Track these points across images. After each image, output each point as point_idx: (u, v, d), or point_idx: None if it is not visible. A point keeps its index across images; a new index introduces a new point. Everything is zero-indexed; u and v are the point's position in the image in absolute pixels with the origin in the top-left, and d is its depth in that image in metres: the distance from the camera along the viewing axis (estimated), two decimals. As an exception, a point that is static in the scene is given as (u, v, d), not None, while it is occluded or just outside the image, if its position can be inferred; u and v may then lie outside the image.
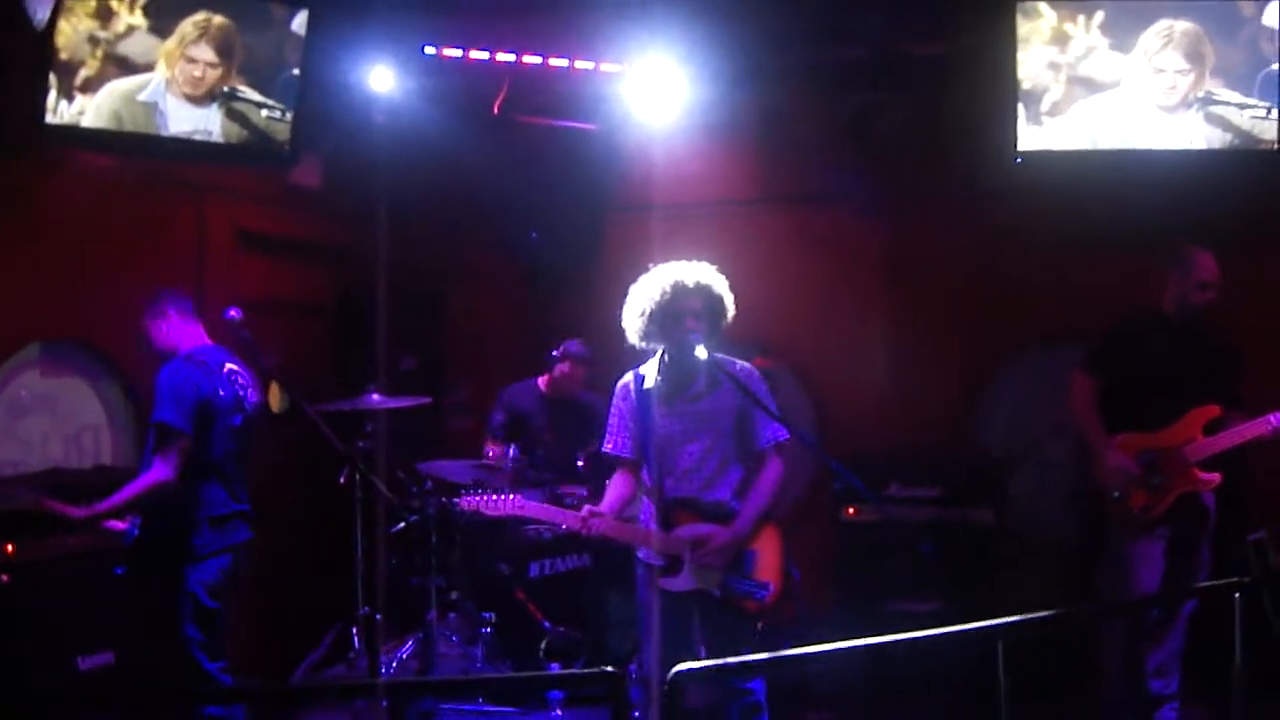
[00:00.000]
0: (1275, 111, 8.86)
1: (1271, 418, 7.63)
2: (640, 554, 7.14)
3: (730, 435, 7.05)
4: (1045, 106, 9.19)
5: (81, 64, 8.21)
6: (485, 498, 7.33)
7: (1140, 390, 8.01)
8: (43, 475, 8.34)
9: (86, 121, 8.32)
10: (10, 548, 7.60)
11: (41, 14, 7.23)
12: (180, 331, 7.71)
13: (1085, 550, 8.65)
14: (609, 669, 4.93)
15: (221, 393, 7.61)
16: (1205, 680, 7.86)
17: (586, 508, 7.08)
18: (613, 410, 7.26)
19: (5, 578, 7.57)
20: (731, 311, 7.01)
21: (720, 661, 6.43)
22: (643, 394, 7.10)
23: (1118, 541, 8.04)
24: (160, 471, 7.31)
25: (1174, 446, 7.83)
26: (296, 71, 9.03)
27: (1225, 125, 9.01)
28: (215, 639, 7.54)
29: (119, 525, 7.51)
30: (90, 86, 8.28)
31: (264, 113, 8.97)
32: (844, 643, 5.16)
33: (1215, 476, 7.80)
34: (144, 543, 7.50)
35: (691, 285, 6.91)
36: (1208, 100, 8.98)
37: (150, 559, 7.53)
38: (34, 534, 7.57)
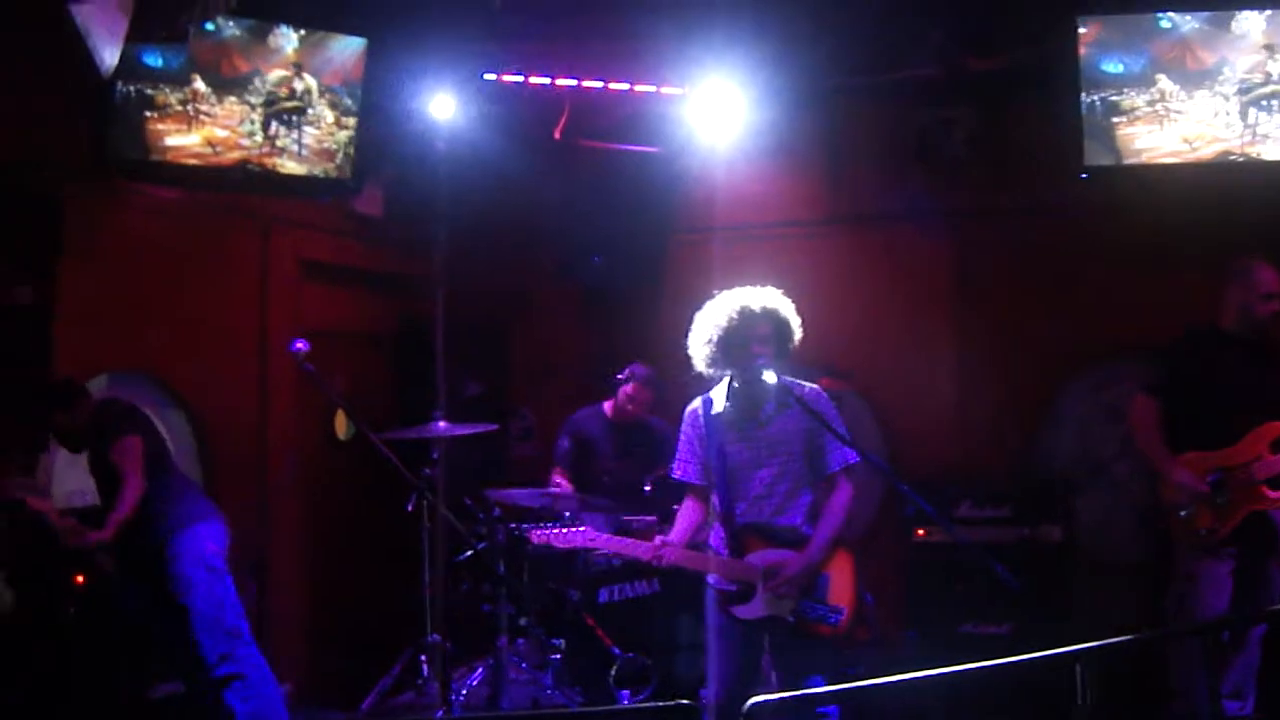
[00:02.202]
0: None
1: None
2: (710, 580, 7.10)
3: (800, 459, 7.00)
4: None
5: (145, 97, 8.26)
6: (556, 531, 7.31)
7: (1204, 408, 7.91)
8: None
9: (150, 154, 8.38)
10: (80, 578, 7.68)
11: (109, 61, 7.26)
12: None
13: (1153, 570, 8.55)
14: (684, 702, 4.91)
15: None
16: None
17: (658, 538, 7.08)
18: (681, 436, 7.24)
19: (73, 609, 7.69)
20: (799, 336, 6.97)
21: (797, 694, 6.43)
22: (711, 420, 7.06)
23: (1185, 562, 7.95)
24: (138, 481, 7.73)
25: (1240, 464, 7.71)
26: (357, 101, 9.06)
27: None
28: (235, 613, 8.00)
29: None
30: (152, 120, 8.33)
31: (323, 143, 9.00)
32: (922, 671, 5.12)
33: None
34: (133, 546, 7.84)
35: (759, 311, 6.87)
36: (1272, 109, 8.89)
37: (144, 554, 7.88)
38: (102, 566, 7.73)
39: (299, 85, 8.84)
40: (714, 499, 7.10)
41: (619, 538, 7.48)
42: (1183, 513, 7.81)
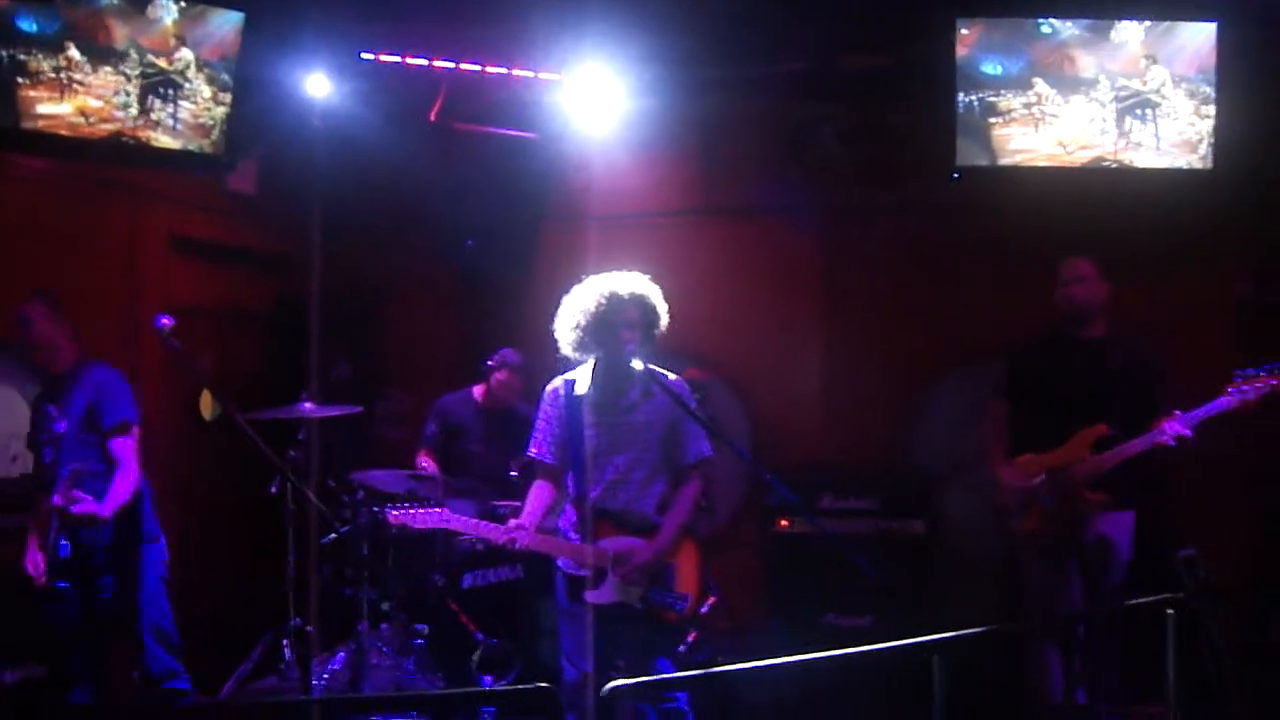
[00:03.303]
0: (1209, 135, 8.86)
1: (1167, 427, 7.53)
2: (561, 563, 7.15)
3: (657, 448, 7.07)
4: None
5: (17, 63, 8.12)
6: (413, 511, 7.30)
7: (1038, 411, 8.07)
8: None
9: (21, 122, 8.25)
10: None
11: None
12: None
13: (1012, 565, 8.63)
14: (543, 685, 4.93)
15: None
16: (1141, 694, 7.88)
17: (512, 522, 7.07)
18: (540, 414, 7.26)
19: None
20: (666, 322, 7.00)
21: (656, 678, 6.46)
22: (573, 400, 7.09)
23: (1026, 562, 8.09)
24: (136, 473, 7.76)
25: (1062, 466, 7.82)
26: (231, 76, 8.95)
27: (1165, 144, 9.02)
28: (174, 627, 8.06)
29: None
30: (24, 87, 8.19)
31: (199, 118, 8.89)
32: (777, 659, 5.15)
33: (1102, 496, 7.75)
34: (99, 545, 7.68)
35: (626, 296, 6.90)
36: (1146, 117, 8.99)
37: (107, 559, 7.73)
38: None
39: (177, 58, 8.72)
40: (568, 481, 7.13)
41: (474, 520, 7.45)
42: (1011, 514, 7.94)
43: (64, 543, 7.47)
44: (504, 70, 9.95)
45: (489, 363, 10.03)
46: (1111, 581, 7.89)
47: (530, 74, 9.97)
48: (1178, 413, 7.56)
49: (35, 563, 7.67)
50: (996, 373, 8.43)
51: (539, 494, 7.23)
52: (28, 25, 8.11)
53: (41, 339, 7.87)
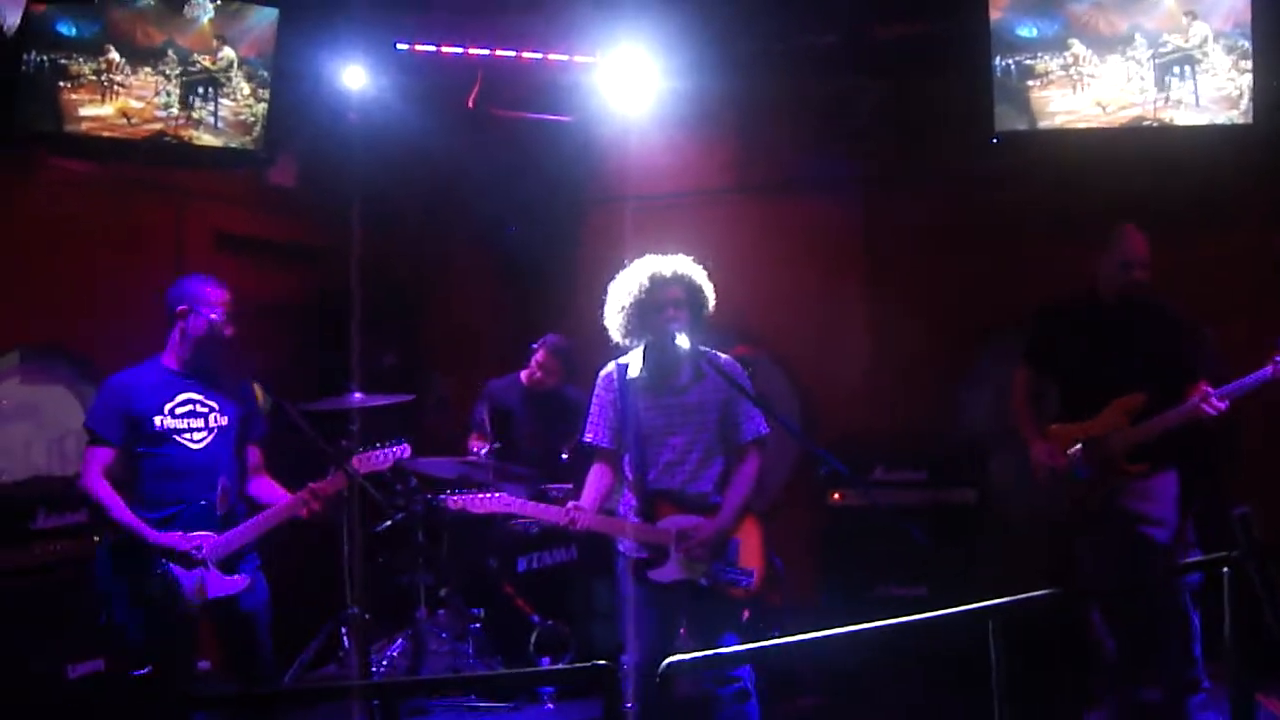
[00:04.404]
0: (1249, 90, 8.82)
1: (1204, 405, 7.41)
2: (622, 547, 7.13)
3: (713, 428, 7.03)
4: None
5: (58, 67, 8.18)
6: (472, 496, 7.33)
7: (1074, 378, 7.98)
8: (25, 484, 8.31)
9: (64, 125, 8.31)
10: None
11: (10, 20, 7.18)
12: None
13: (1065, 531, 8.60)
14: (602, 663, 4.94)
15: None
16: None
17: (571, 503, 7.07)
18: (594, 400, 7.24)
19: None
20: (712, 300, 6.99)
21: (711, 653, 6.48)
22: (626, 384, 7.08)
23: (1073, 530, 8.04)
24: None
25: (1099, 437, 7.73)
26: (269, 71, 8.99)
27: (1204, 100, 8.97)
28: None
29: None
30: (66, 91, 8.24)
31: (239, 115, 8.93)
32: (833, 630, 5.16)
33: (1141, 466, 7.69)
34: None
35: (669, 275, 6.89)
36: (1185, 74, 8.96)
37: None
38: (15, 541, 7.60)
39: (220, 56, 8.77)
40: (625, 464, 7.13)
41: (534, 503, 7.46)
42: (1047, 486, 7.89)
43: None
44: (539, 55, 9.98)
45: (533, 346, 10.07)
46: (1156, 544, 7.80)
47: (566, 58, 10.00)
48: (1206, 388, 7.44)
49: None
50: (1026, 336, 8.36)
51: (597, 478, 7.22)
52: (67, 29, 8.17)
53: None
